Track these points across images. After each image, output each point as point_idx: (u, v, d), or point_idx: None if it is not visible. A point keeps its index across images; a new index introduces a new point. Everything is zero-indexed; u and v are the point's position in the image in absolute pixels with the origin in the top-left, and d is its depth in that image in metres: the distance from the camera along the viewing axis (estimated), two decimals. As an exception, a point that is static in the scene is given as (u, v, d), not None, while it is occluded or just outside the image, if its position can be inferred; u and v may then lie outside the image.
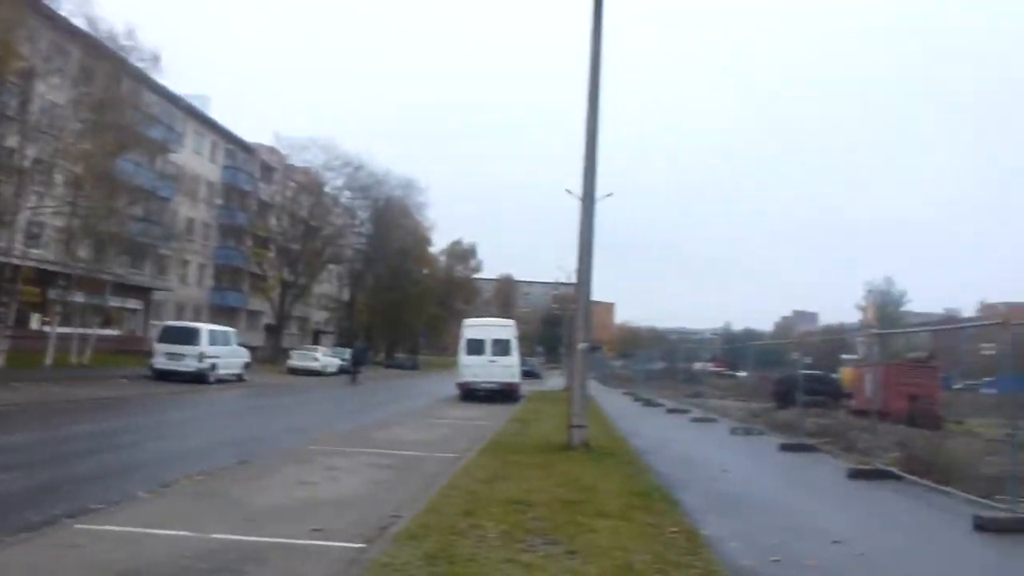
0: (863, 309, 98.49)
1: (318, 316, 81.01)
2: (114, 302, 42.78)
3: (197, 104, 55.60)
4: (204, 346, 32.01)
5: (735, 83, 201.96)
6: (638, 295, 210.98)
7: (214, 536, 6.80)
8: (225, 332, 35.88)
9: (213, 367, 32.35)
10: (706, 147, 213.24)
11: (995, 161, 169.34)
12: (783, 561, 6.80)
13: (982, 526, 8.55)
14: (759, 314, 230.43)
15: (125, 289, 44.66)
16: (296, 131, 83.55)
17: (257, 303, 65.63)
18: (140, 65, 34.78)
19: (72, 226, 33.87)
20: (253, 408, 25.14)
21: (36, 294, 36.48)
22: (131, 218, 38.66)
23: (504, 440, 15.45)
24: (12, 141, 30.09)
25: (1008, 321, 10.56)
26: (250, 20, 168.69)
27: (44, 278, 35.65)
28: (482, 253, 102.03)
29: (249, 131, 71.95)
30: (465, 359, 30.61)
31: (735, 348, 68.37)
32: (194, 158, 57.36)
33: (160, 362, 31.65)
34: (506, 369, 30.40)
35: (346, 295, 79.11)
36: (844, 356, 47.93)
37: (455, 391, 30.99)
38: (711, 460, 14.27)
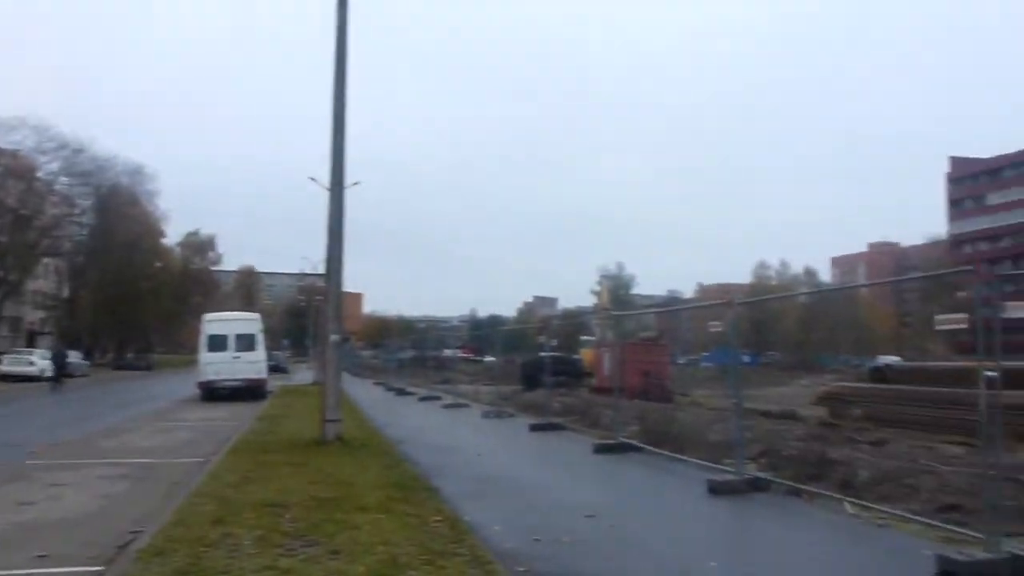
0: (597, 293, 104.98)
1: (33, 316, 72.85)
2: None
3: None
4: None
5: (476, 76, 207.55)
6: (386, 284, 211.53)
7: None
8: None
9: None
10: (452, 138, 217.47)
11: (707, 161, 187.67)
12: (543, 540, 6.95)
13: (714, 489, 9.30)
14: (503, 300, 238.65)
15: None
16: (1, 109, 74.20)
17: (-44, 303, 57.74)
18: None
19: None
20: (-47, 422, 22.02)
21: None
22: None
23: (253, 440, 14.67)
24: None
25: (731, 301, 11.55)
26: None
27: None
28: (222, 244, 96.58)
29: (-61, 107, 63.08)
30: (206, 356, 28.79)
31: (482, 334, 70.27)
32: None
33: None
34: (251, 365, 28.97)
35: (66, 292, 71.76)
36: (583, 337, 50.71)
37: (195, 391, 29.08)
38: (466, 445, 14.44)
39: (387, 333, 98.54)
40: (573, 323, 61.03)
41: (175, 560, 5.88)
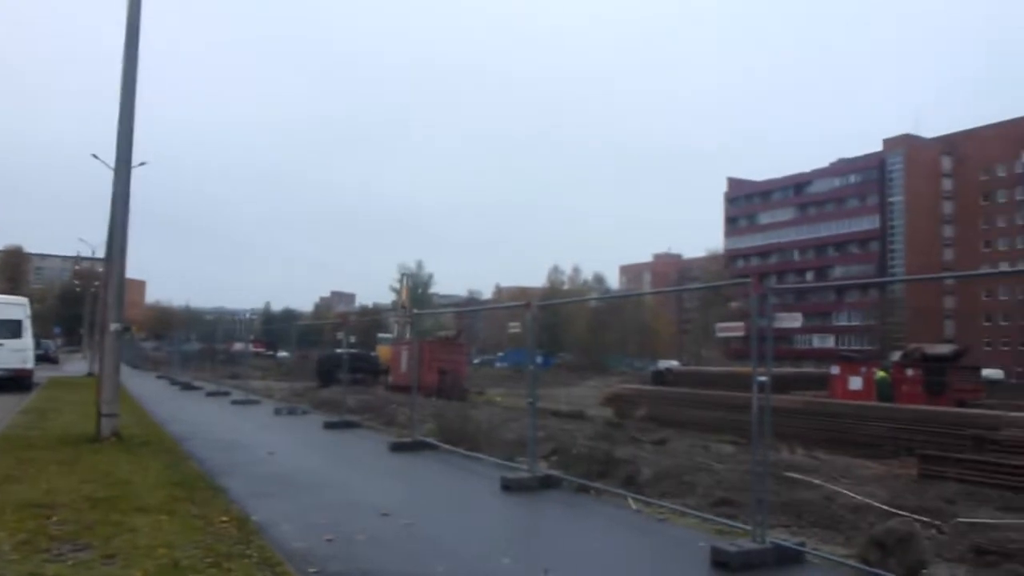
0: (397, 290, 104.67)
1: None
2: None
3: None
4: None
5: (276, 59, 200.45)
6: (172, 273, 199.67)
7: None
8: None
9: None
10: (249, 122, 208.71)
11: (510, 166, 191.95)
12: (336, 539, 6.78)
13: (508, 486, 9.49)
14: (299, 294, 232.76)
15: None
16: None
17: None
18: None
19: None
20: None
21: None
22: None
23: (16, 434, 13.32)
24: None
25: (530, 303, 11.84)
26: None
27: None
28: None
29: None
30: (-38, 343, 25.86)
31: (276, 328, 67.96)
32: None
33: None
34: (17, 354, 26.31)
35: None
36: (381, 335, 50.33)
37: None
38: (256, 443, 13.87)
39: (172, 324, 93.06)
40: (371, 320, 60.43)
41: (-86, 572, 5.23)
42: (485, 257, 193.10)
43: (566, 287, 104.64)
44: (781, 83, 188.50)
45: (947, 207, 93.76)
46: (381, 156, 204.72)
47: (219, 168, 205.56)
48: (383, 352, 39.08)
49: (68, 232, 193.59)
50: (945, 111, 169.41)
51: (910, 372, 25.54)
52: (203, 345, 41.62)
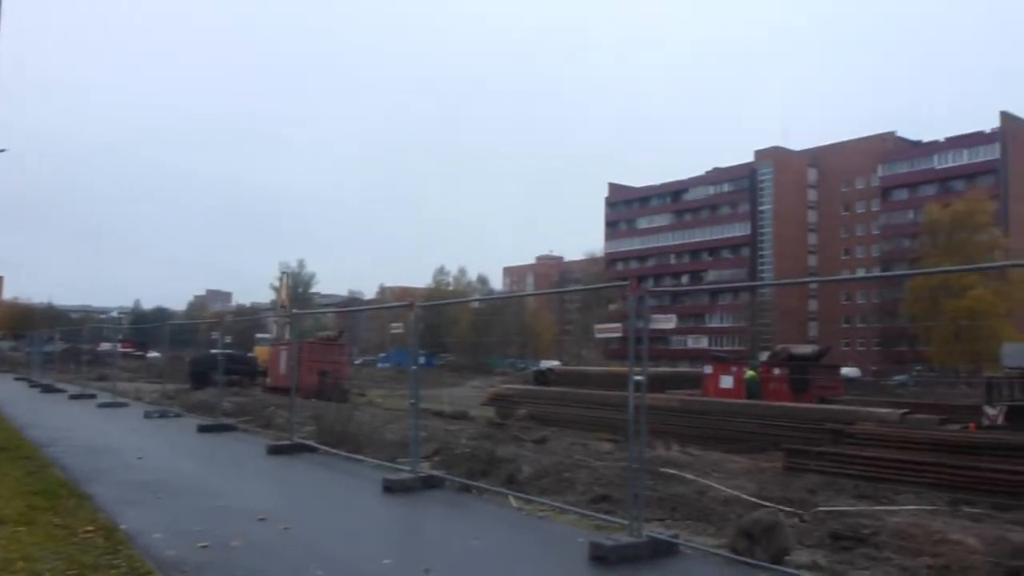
0: (277, 289, 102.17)
1: None
2: None
3: None
4: None
5: (155, 52, 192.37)
6: (32, 268, 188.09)
7: None
8: None
9: None
10: (114, 110, 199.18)
11: (386, 168, 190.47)
12: (211, 546, 6.59)
13: (390, 488, 9.43)
14: (172, 293, 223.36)
15: None
16: None
17: None
18: None
19: None
20: None
21: None
22: None
23: None
24: None
25: (413, 303, 11.81)
26: None
27: None
28: None
29: None
30: None
31: (146, 328, 65.10)
32: None
33: None
34: None
35: None
36: (259, 335, 49.00)
37: None
38: (125, 447, 13.26)
39: (33, 323, 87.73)
40: (249, 319, 58.74)
41: None
42: (369, 257, 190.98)
43: (451, 288, 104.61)
44: (660, 92, 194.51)
45: (812, 216, 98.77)
46: (260, 151, 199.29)
47: (84, 157, 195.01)
48: (261, 353, 38.08)
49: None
50: (812, 126, 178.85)
51: (777, 371, 26.75)
52: (67, 345, 39.54)
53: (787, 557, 6.43)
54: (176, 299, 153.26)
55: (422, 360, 13.41)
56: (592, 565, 6.40)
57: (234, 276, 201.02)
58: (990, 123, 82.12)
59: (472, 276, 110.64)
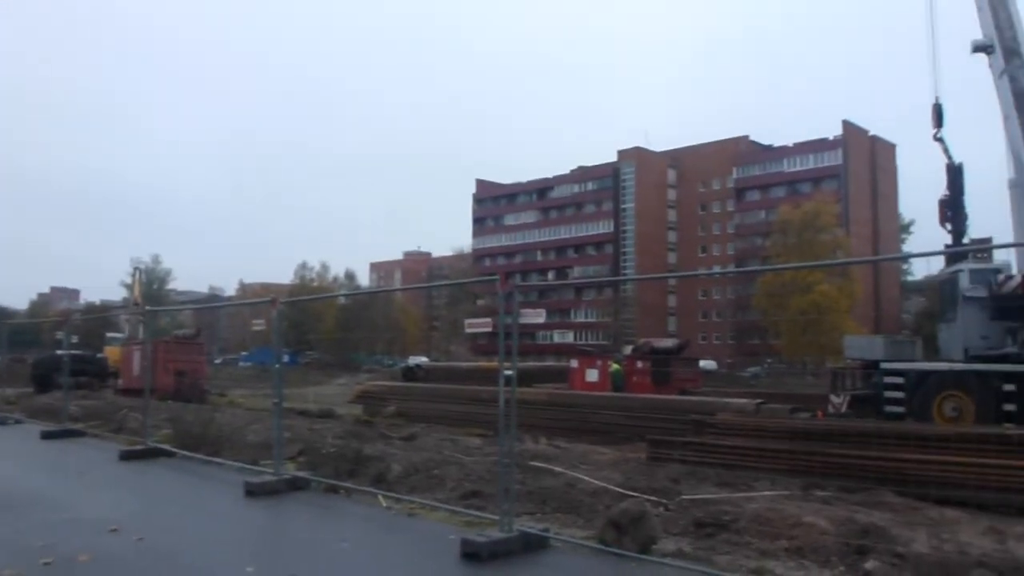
0: (130, 286, 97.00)
1: None
2: None
3: None
4: None
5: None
6: None
7: None
8: None
9: None
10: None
11: (247, 161, 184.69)
12: (55, 562, 6.13)
13: (252, 491, 9.07)
14: (11, 290, 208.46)
15: None
16: None
17: None
18: None
19: None
20: None
21: None
22: None
23: None
24: None
25: (276, 299, 11.40)
26: None
27: None
28: None
29: None
30: None
31: (-18, 328, 60.50)
32: None
33: None
34: None
35: None
36: (110, 335, 46.32)
37: None
38: (-44, 458, 12.24)
39: None
40: (99, 318, 55.50)
41: None
42: (230, 253, 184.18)
43: (315, 284, 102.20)
44: (527, 91, 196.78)
45: (672, 215, 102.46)
46: (110, 139, 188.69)
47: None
48: (112, 353, 36.02)
49: None
50: (672, 128, 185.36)
51: (640, 364, 27.60)
52: None
53: (654, 546, 6.59)
54: (17, 297, 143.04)
55: (286, 358, 13.01)
56: (464, 562, 6.35)
57: (82, 273, 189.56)
58: (834, 131, 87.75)
59: (336, 272, 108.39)
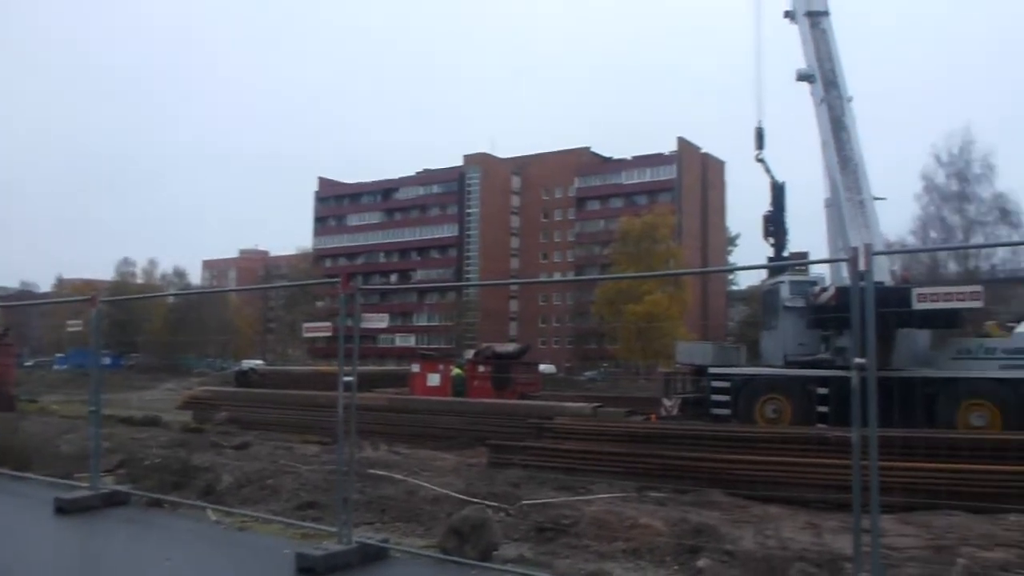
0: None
1: None
2: None
3: None
4: None
5: None
6: None
7: None
8: None
9: None
10: None
11: (67, 153, 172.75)
12: None
13: (63, 508, 8.34)
14: None
15: None
16: None
17: None
18: None
19: None
20: None
21: None
22: None
23: None
24: None
25: (95, 297, 10.58)
26: None
27: None
28: None
29: None
30: None
31: None
32: None
33: None
34: None
35: None
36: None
37: None
38: None
39: None
40: None
41: None
42: (46, 247, 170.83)
43: (139, 281, 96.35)
44: (373, 89, 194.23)
45: (515, 221, 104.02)
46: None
47: None
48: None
49: None
50: (518, 135, 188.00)
51: (481, 369, 27.69)
52: None
53: (495, 552, 6.54)
54: None
55: (106, 361, 12.10)
56: (299, 577, 6.06)
57: None
58: (669, 146, 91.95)
59: (166, 269, 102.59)
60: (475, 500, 8.19)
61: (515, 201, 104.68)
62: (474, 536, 6.52)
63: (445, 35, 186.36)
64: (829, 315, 17.60)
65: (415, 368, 28.01)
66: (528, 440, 13.49)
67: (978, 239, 47.93)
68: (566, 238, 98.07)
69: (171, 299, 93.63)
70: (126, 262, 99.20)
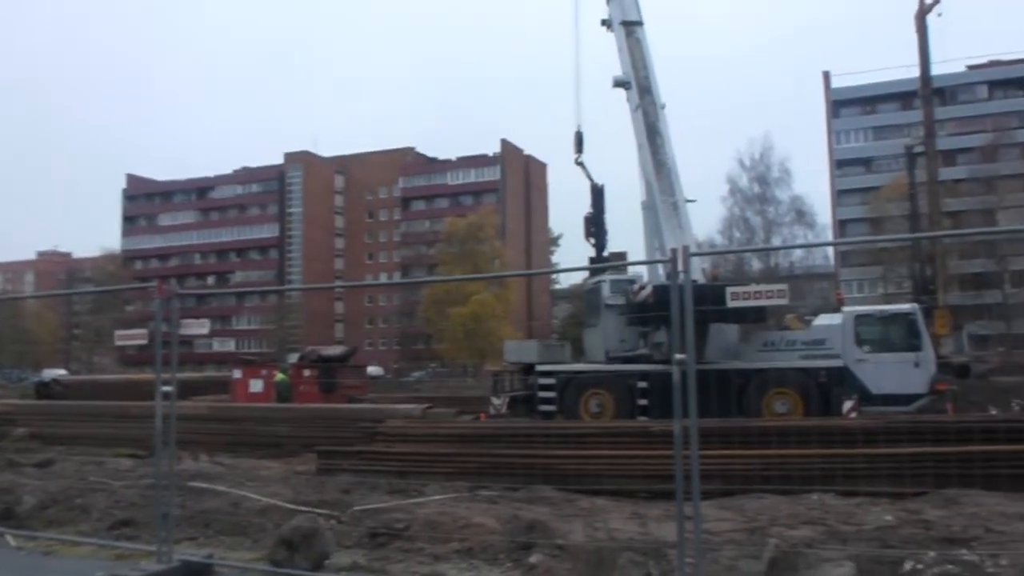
0: None
1: None
2: None
3: None
4: None
5: None
6: None
7: None
8: None
9: None
10: None
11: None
12: None
13: None
14: None
15: None
16: None
17: None
18: None
19: None
20: None
21: None
22: None
23: None
24: None
25: None
26: None
27: None
28: None
29: None
30: None
31: None
32: None
33: None
34: None
35: None
36: None
37: None
38: None
39: None
40: None
41: None
42: None
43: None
44: (188, 82, 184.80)
45: (339, 221, 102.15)
46: None
47: None
48: None
49: None
50: (341, 134, 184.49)
51: (307, 373, 27.03)
52: None
53: (327, 561, 6.41)
54: None
55: None
56: (113, 602, 5.69)
57: None
58: (493, 148, 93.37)
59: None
60: (305, 509, 7.99)
61: (339, 201, 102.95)
62: (305, 546, 6.36)
63: (268, 29, 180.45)
64: (648, 312, 18.42)
65: (236, 374, 26.92)
66: (358, 445, 13.29)
67: (777, 239, 52.27)
68: (392, 238, 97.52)
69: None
70: None
